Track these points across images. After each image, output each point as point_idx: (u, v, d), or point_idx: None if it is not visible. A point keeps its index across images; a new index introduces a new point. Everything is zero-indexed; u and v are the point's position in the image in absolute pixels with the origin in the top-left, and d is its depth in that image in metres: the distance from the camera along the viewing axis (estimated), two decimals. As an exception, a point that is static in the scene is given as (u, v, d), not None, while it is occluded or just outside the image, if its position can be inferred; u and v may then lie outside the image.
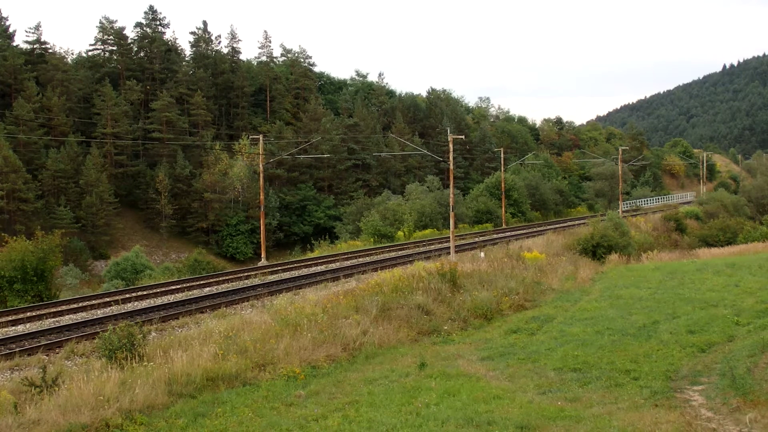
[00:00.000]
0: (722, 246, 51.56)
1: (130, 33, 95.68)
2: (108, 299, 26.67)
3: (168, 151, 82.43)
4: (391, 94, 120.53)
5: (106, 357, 15.75)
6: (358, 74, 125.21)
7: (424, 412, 12.75)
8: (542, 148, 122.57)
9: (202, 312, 23.19)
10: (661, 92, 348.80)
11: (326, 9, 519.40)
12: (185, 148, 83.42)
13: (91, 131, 79.36)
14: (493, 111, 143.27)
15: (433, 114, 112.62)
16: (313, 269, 35.15)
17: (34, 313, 23.87)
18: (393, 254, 40.69)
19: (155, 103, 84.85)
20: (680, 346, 17.28)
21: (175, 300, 25.95)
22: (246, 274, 33.36)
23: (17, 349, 18.07)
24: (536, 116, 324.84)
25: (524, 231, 55.89)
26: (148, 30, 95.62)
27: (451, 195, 40.14)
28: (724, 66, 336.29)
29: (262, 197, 46.83)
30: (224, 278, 32.05)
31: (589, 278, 30.92)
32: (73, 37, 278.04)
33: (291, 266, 36.48)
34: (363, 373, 16.24)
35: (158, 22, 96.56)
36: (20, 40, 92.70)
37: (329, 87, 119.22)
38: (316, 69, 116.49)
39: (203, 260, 59.07)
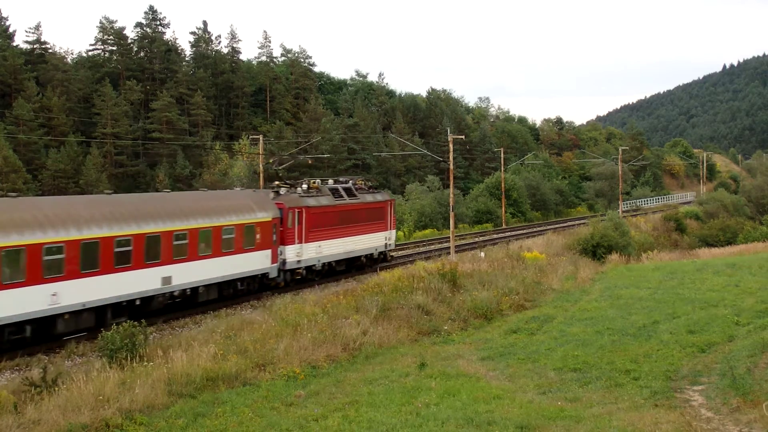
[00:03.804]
0: (722, 246, 51.57)
1: (130, 33, 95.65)
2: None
3: (168, 151, 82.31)
4: (391, 94, 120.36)
5: (107, 357, 15.75)
6: (358, 74, 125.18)
7: (424, 412, 12.75)
8: (542, 148, 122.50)
9: (202, 312, 23.16)
10: (661, 92, 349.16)
11: (326, 9, 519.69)
12: (185, 148, 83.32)
13: (91, 131, 79.26)
14: (493, 111, 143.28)
15: (433, 114, 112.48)
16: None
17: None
18: (393, 254, 40.59)
19: (155, 103, 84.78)
20: (680, 346, 17.28)
21: (175, 300, 25.86)
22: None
23: (17, 349, 18.02)
24: (536, 116, 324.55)
25: (524, 231, 55.90)
26: (148, 30, 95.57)
27: (451, 195, 40.19)
28: (724, 66, 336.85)
29: (262, 197, 46.73)
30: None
31: (589, 278, 30.92)
32: (73, 37, 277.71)
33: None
34: (363, 373, 16.24)
35: (158, 22, 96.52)
36: (20, 40, 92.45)
37: (329, 87, 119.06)
38: (316, 69, 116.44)
39: (203, 260, 58.91)
